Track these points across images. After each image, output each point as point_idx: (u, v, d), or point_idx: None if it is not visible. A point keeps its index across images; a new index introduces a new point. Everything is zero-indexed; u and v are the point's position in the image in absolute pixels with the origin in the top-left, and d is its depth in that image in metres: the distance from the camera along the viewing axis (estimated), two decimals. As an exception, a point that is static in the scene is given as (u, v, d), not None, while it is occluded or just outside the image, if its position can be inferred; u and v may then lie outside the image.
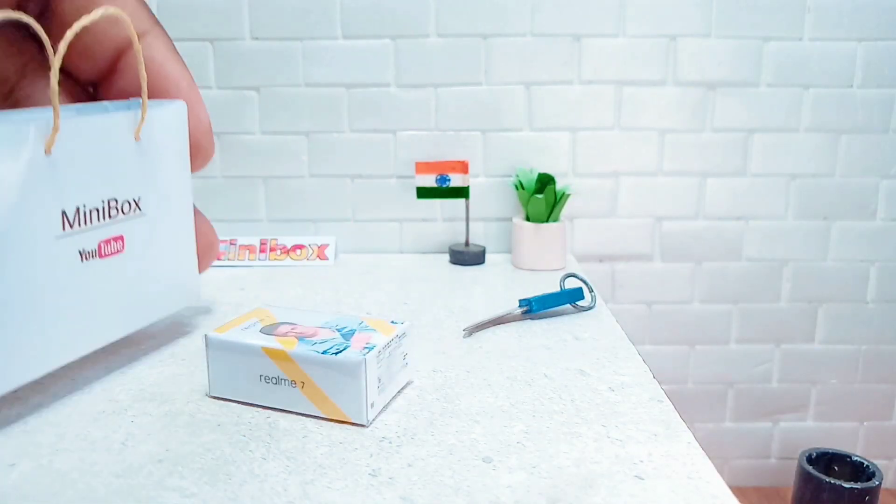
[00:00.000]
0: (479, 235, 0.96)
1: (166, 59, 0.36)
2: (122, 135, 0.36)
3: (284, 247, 0.88)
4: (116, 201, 0.36)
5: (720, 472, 0.28)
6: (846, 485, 0.85)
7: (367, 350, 0.33)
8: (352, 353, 0.33)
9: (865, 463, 0.90)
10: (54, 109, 0.31)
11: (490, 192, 0.95)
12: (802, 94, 0.93)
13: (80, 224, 0.34)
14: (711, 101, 0.94)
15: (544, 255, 0.83)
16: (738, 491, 1.04)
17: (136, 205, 0.38)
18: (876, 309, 1.01)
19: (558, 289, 0.63)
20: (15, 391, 0.39)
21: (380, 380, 0.34)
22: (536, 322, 0.56)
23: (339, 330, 0.36)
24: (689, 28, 0.91)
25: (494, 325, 0.55)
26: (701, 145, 0.95)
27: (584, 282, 0.63)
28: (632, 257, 0.98)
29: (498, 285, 0.74)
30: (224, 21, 0.89)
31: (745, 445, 1.06)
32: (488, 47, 0.91)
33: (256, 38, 0.90)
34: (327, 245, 0.88)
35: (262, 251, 0.87)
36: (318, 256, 0.87)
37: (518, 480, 0.29)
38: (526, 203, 0.85)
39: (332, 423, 0.34)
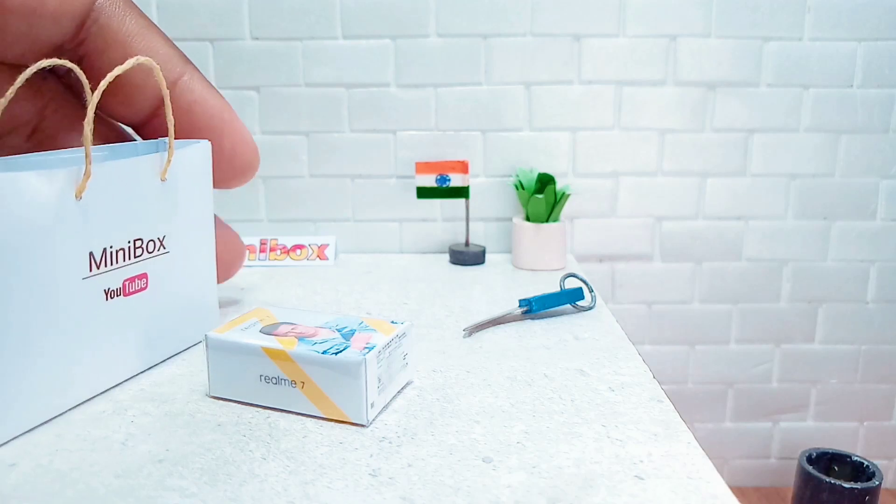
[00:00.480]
0: (479, 235, 0.96)
1: (206, 96, 0.37)
2: (149, 176, 0.37)
3: (284, 247, 0.88)
4: (142, 241, 0.37)
5: (720, 472, 0.28)
6: (846, 485, 0.85)
7: (367, 350, 0.33)
8: (352, 353, 0.33)
9: (865, 463, 0.90)
10: (86, 156, 0.31)
11: (490, 192, 0.95)
12: (802, 94, 0.93)
13: (106, 265, 0.35)
14: (711, 101, 0.94)
15: (544, 255, 0.83)
16: (738, 491, 1.04)
17: (161, 243, 0.39)
18: (876, 309, 1.01)
19: (558, 289, 0.63)
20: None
21: (380, 380, 0.34)
22: (536, 322, 0.56)
23: (339, 330, 0.36)
24: (689, 28, 0.91)
25: (494, 325, 0.55)
26: (701, 145, 0.95)
27: (584, 282, 0.63)
28: (632, 257, 0.98)
29: (498, 285, 0.74)
30: (224, 21, 0.89)
31: (745, 445, 1.06)
32: (488, 47, 0.90)
33: (256, 38, 0.90)
34: (327, 245, 0.88)
35: (262, 251, 0.87)
36: (318, 256, 0.87)
37: (518, 480, 0.29)
38: (526, 203, 0.86)
39: (332, 423, 0.34)
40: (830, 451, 0.93)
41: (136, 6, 0.36)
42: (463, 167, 0.86)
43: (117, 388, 0.39)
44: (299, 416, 0.35)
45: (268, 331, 0.36)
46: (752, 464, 1.06)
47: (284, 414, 0.35)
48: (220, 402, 0.37)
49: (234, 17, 0.89)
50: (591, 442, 0.33)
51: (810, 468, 0.89)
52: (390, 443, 0.32)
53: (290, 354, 0.34)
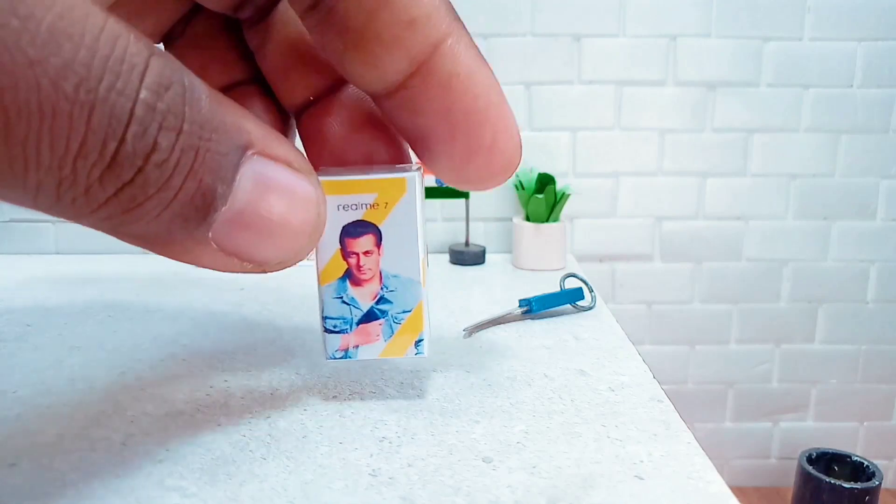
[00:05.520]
0: (479, 235, 0.96)
1: (473, 69, 0.27)
2: None
3: (284, 247, 0.87)
4: None
5: (720, 472, 0.28)
6: (846, 485, 0.85)
7: (338, 356, 0.31)
8: (328, 344, 0.31)
9: (865, 463, 0.90)
10: None
11: (490, 193, 0.95)
12: (802, 94, 0.94)
13: None
14: (711, 101, 0.94)
15: (544, 255, 0.83)
16: (738, 491, 1.04)
17: None
18: (876, 309, 1.01)
19: (558, 289, 0.63)
20: (15, 391, 0.39)
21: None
22: (536, 322, 0.56)
23: (382, 296, 0.32)
24: (689, 28, 0.91)
25: (494, 325, 0.55)
26: (701, 145, 0.95)
27: (584, 282, 0.63)
28: (632, 257, 0.98)
29: (498, 285, 0.74)
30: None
31: (745, 445, 1.06)
32: (489, 47, 0.90)
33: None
34: (327, 245, 0.88)
35: (262, 251, 0.86)
36: (318, 256, 0.87)
37: (518, 480, 0.29)
38: (526, 203, 0.85)
39: (332, 423, 0.34)
40: (830, 451, 0.93)
41: None
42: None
43: (117, 388, 0.39)
44: (299, 416, 0.35)
45: (349, 231, 0.31)
46: (752, 464, 1.06)
47: (284, 413, 0.35)
48: (221, 401, 0.37)
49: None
50: (591, 442, 0.33)
51: (810, 468, 0.89)
52: (390, 443, 0.32)
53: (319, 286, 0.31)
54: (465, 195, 0.86)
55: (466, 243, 0.90)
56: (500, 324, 0.55)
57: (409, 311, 0.33)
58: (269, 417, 0.34)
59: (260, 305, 0.63)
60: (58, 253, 0.97)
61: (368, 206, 0.31)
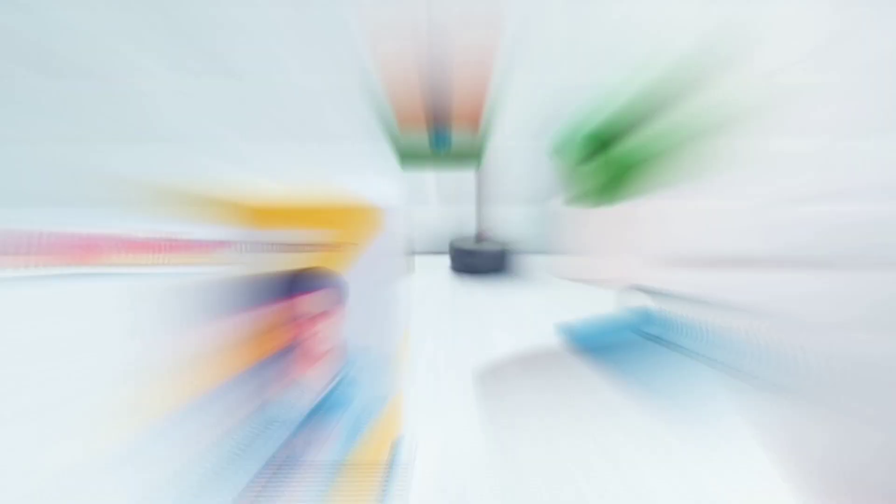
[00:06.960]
0: (499, 226, 0.79)
1: None
2: None
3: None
4: None
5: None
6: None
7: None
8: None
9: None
10: None
11: (515, 160, 0.78)
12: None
13: None
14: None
15: (603, 258, 0.67)
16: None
17: None
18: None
19: (617, 309, 0.53)
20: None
21: None
22: (591, 371, 0.45)
23: (340, 377, 0.31)
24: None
25: (523, 369, 0.45)
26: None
27: (663, 299, 0.51)
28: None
29: (528, 305, 0.61)
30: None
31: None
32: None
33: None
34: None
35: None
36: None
37: None
38: (575, 177, 0.68)
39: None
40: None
41: None
42: (472, 119, 0.67)
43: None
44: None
45: None
46: None
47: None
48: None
49: None
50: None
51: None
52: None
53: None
54: (477, 163, 0.67)
55: (478, 238, 0.74)
56: (531, 367, 0.45)
57: (384, 402, 0.33)
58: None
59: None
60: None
61: (323, 246, 0.30)
